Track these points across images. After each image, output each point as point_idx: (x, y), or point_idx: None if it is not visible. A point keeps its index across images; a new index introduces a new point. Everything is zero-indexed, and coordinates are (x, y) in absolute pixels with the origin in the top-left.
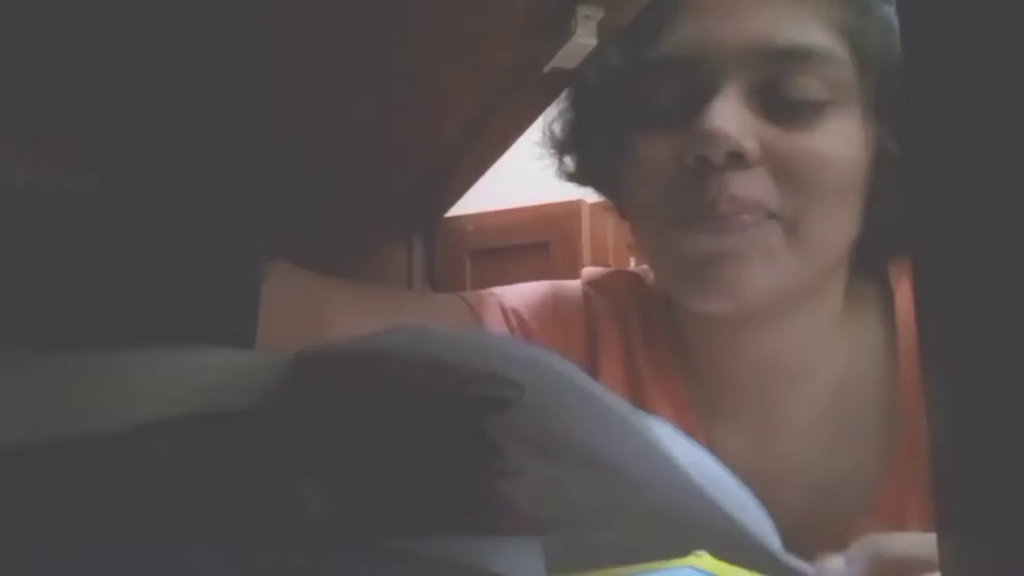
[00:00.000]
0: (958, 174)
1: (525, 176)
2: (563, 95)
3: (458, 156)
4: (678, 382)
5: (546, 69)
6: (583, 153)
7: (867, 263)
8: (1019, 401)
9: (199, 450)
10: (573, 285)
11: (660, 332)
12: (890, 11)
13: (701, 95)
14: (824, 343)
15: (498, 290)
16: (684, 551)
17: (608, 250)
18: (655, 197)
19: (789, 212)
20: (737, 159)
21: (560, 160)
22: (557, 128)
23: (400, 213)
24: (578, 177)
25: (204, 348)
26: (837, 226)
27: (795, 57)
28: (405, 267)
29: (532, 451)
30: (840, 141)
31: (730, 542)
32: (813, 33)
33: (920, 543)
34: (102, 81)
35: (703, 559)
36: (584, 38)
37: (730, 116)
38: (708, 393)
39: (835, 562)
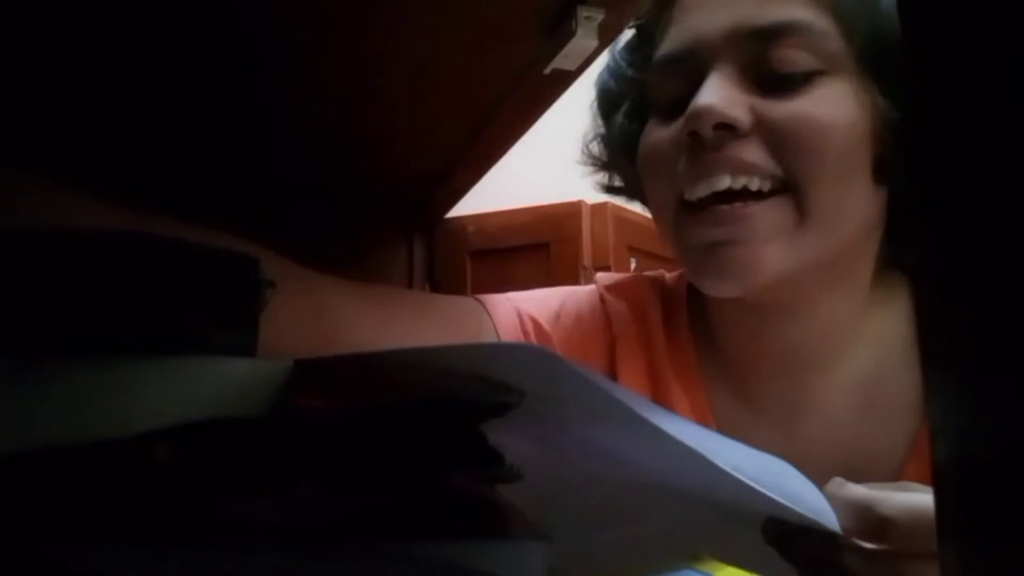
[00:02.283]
0: (959, 174)
1: (525, 176)
2: (593, 111)
3: (459, 157)
4: (699, 383)
5: (547, 70)
6: (620, 167)
7: (895, 257)
8: (1020, 404)
9: (200, 456)
10: (589, 290)
11: (683, 333)
12: None
13: (696, 84)
14: (849, 330)
15: (514, 295)
16: (688, 555)
17: (608, 250)
18: (661, 179)
19: (795, 180)
20: (729, 130)
21: (603, 175)
22: (594, 147)
23: (400, 213)
24: (620, 190)
25: (207, 357)
26: (845, 195)
27: (778, 33)
28: (405, 267)
29: (533, 445)
30: (832, 105)
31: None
32: (794, 9)
33: (876, 491)
34: (103, 88)
35: (704, 560)
36: (585, 39)
37: (716, 92)
38: (733, 388)
39: None
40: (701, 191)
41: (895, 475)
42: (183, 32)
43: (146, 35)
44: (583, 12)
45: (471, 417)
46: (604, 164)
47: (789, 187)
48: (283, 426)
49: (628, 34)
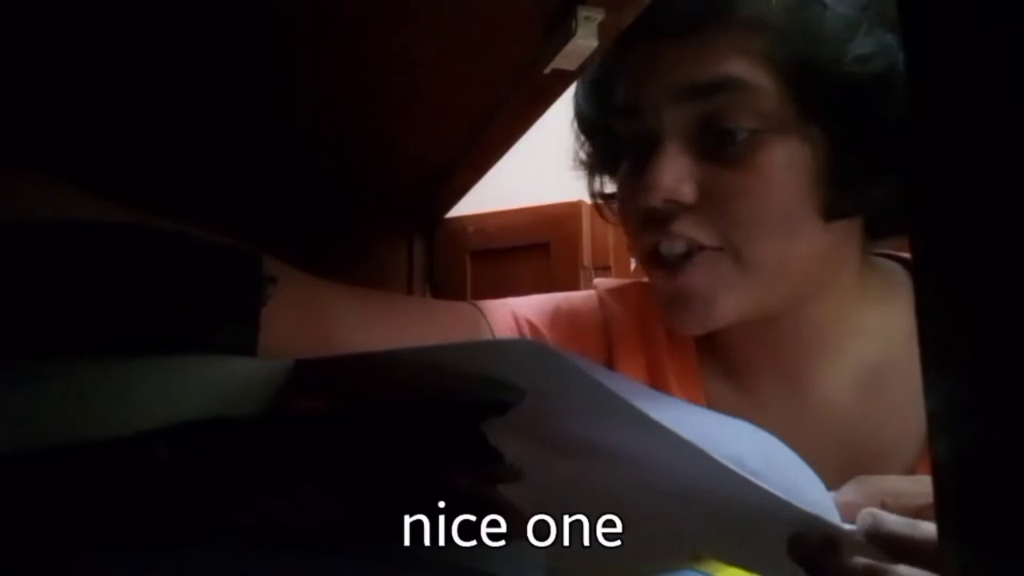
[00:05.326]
0: (958, 174)
1: (525, 177)
2: (573, 128)
3: (459, 156)
4: (699, 385)
5: (547, 70)
6: (606, 173)
7: (877, 245)
8: (1020, 404)
9: (200, 455)
10: (586, 295)
11: (685, 336)
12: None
13: (649, 142)
14: (843, 322)
15: (512, 300)
16: (688, 555)
17: (608, 250)
18: (631, 234)
19: (731, 244)
20: (675, 204)
21: (593, 183)
22: (583, 155)
23: (400, 213)
24: (610, 196)
25: (207, 356)
26: (787, 249)
27: (716, 88)
28: (405, 267)
29: (533, 444)
30: (772, 171)
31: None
32: (730, 65)
33: (912, 480)
34: (104, 88)
35: (704, 560)
36: (585, 39)
37: (666, 166)
38: (735, 388)
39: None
40: (661, 250)
41: (906, 474)
42: (184, 32)
43: (148, 36)
44: (583, 12)
45: (471, 416)
46: (592, 169)
47: (723, 248)
48: (283, 426)
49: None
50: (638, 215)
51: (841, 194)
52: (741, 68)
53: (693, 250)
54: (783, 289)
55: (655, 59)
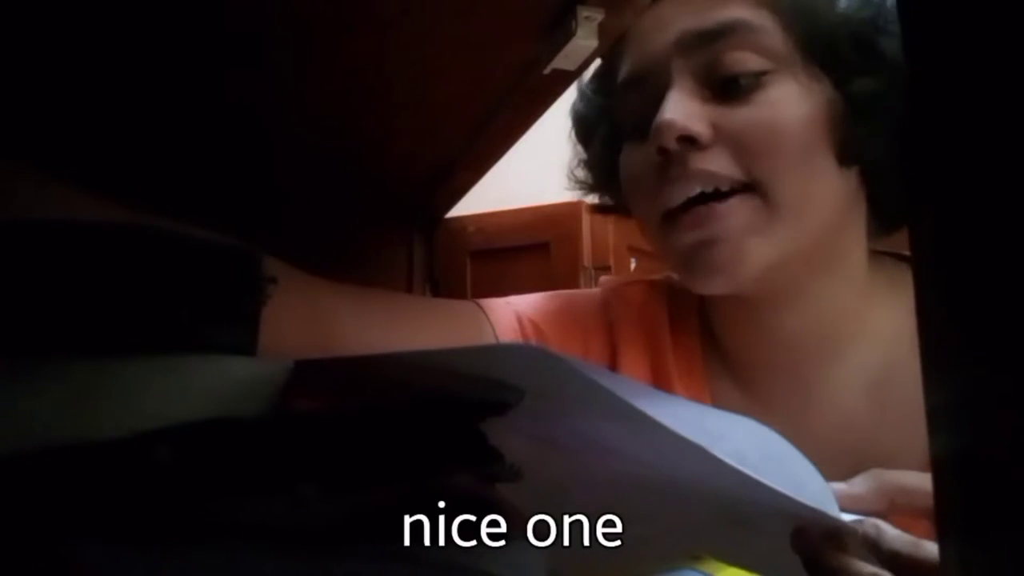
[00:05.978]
0: (958, 173)
1: (525, 177)
2: (571, 139)
3: (459, 156)
4: (704, 386)
5: (547, 70)
6: (606, 189)
7: (883, 228)
8: (1019, 403)
9: (201, 456)
10: (591, 294)
11: (691, 336)
12: None
13: (658, 102)
14: (849, 319)
15: (514, 299)
16: (688, 555)
17: (608, 250)
18: (642, 198)
19: (757, 181)
20: (691, 143)
21: (594, 196)
22: (579, 172)
23: (400, 213)
24: (612, 208)
25: (207, 356)
26: (809, 184)
27: (722, 34)
28: (405, 267)
29: (533, 444)
30: (783, 106)
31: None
32: (734, 10)
33: (924, 478)
34: (105, 91)
35: (704, 560)
36: (585, 39)
37: (677, 106)
38: (740, 388)
39: (837, 487)
40: (676, 199)
41: None
42: (183, 34)
43: (147, 38)
44: (583, 12)
45: (471, 417)
46: (591, 187)
47: (754, 186)
48: (283, 426)
49: (595, 65)
50: (651, 171)
51: (850, 135)
52: (746, 12)
53: (715, 193)
54: (806, 235)
55: (660, 18)
